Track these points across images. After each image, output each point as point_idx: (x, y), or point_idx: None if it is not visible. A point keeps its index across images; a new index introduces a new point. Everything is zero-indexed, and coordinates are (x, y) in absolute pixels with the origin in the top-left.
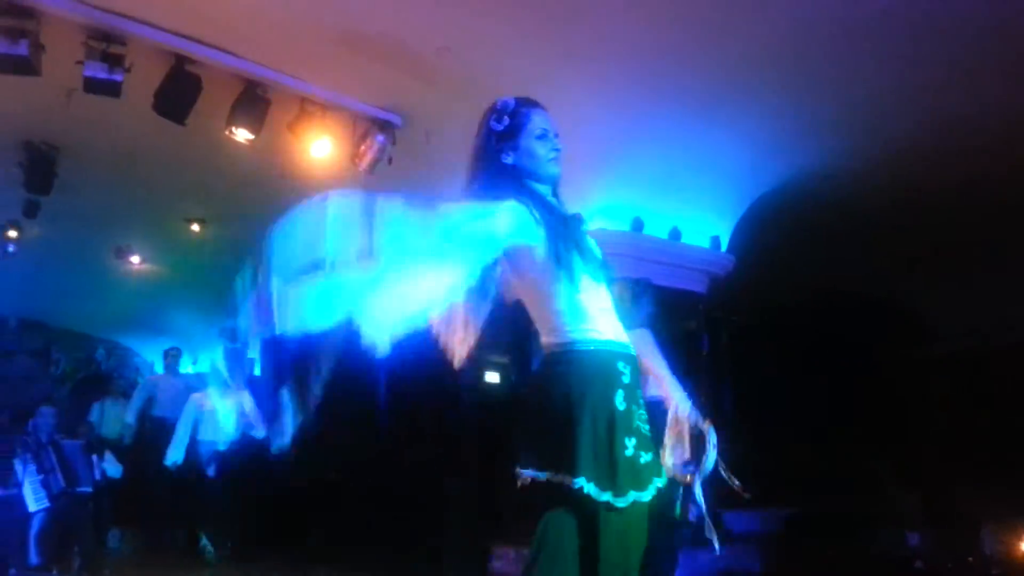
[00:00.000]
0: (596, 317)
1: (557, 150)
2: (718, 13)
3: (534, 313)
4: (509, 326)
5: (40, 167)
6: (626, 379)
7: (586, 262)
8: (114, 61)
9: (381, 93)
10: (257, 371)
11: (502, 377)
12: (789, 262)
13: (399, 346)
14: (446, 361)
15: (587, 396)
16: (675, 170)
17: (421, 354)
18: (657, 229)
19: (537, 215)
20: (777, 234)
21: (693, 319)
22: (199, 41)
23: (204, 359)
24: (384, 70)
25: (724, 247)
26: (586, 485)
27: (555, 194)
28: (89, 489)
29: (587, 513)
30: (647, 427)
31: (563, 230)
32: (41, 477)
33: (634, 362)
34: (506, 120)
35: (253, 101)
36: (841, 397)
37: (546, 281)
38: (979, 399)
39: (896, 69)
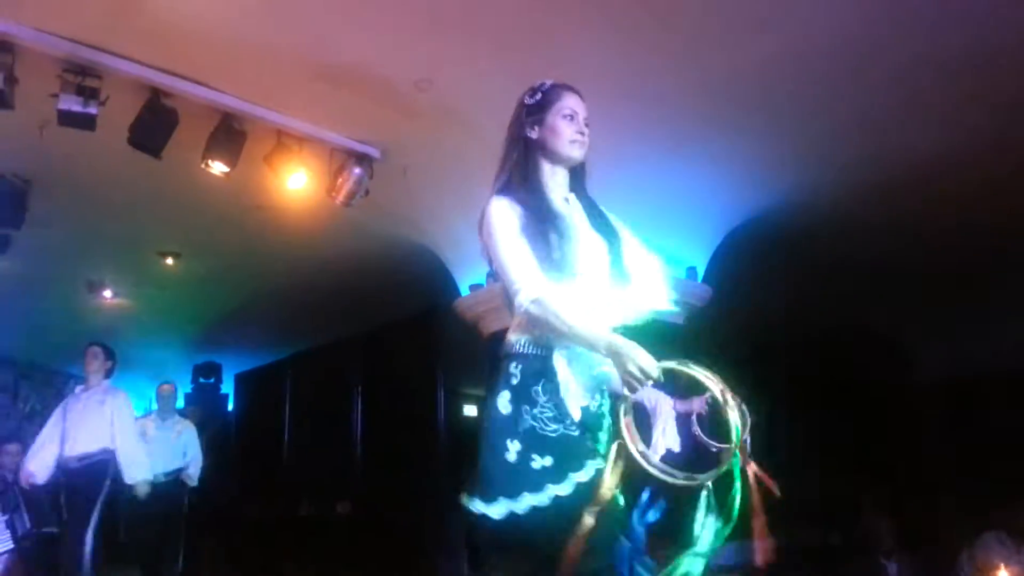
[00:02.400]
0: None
1: (582, 134)
2: (692, 44)
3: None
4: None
5: (11, 200)
6: (514, 380)
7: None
8: (89, 94)
9: (358, 125)
10: (230, 406)
11: (480, 410)
12: (765, 292)
13: (374, 377)
14: (424, 391)
15: (483, 401)
16: (651, 200)
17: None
18: (634, 251)
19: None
20: (753, 264)
21: (672, 349)
22: (175, 74)
23: (178, 394)
24: (362, 102)
25: (700, 278)
26: (465, 497)
27: (578, 181)
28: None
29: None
30: (560, 427)
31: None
32: (6, 517)
33: (529, 361)
34: (538, 96)
35: (229, 134)
36: (819, 426)
37: None
38: (959, 427)
39: (868, 102)
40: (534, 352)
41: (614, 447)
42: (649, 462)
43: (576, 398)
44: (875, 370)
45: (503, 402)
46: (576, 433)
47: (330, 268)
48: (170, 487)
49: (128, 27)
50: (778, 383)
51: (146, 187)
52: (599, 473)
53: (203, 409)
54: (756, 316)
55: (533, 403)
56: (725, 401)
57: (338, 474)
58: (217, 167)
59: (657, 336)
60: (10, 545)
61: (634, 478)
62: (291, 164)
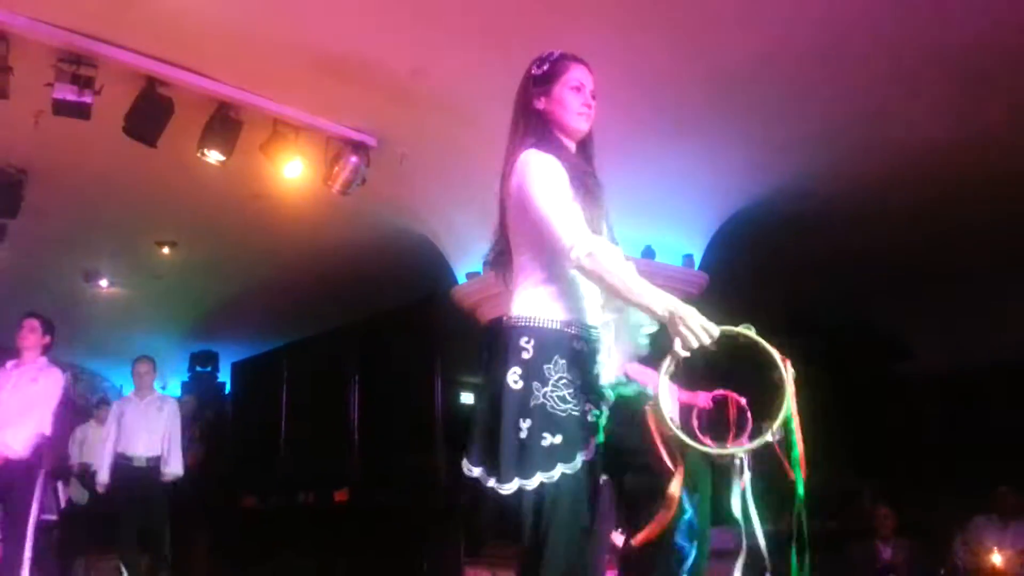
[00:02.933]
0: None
1: (588, 106)
2: (690, 35)
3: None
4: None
5: (7, 190)
6: (525, 355)
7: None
8: (84, 83)
9: (355, 114)
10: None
11: (477, 397)
12: (762, 281)
13: (371, 366)
14: (421, 379)
15: (485, 375)
16: (648, 189)
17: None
18: (631, 248)
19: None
20: (750, 253)
21: (668, 337)
22: (170, 63)
23: (173, 384)
24: (358, 91)
25: (697, 266)
26: (474, 470)
27: (586, 154)
28: (54, 517)
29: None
30: (569, 406)
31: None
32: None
33: (544, 335)
34: (546, 66)
35: (225, 123)
36: (815, 415)
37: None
38: (956, 419)
39: (865, 94)
40: (549, 326)
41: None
42: (679, 428)
43: (611, 368)
44: (873, 361)
45: (513, 377)
46: (578, 413)
47: (327, 256)
48: (151, 471)
49: (123, 16)
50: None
51: (142, 176)
52: (598, 449)
53: (198, 398)
54: (752, 305)
55: (544, 380)
56: (785, 369)
57: (335, 462)
58: (213, 156)
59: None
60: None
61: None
62: (287, 153)
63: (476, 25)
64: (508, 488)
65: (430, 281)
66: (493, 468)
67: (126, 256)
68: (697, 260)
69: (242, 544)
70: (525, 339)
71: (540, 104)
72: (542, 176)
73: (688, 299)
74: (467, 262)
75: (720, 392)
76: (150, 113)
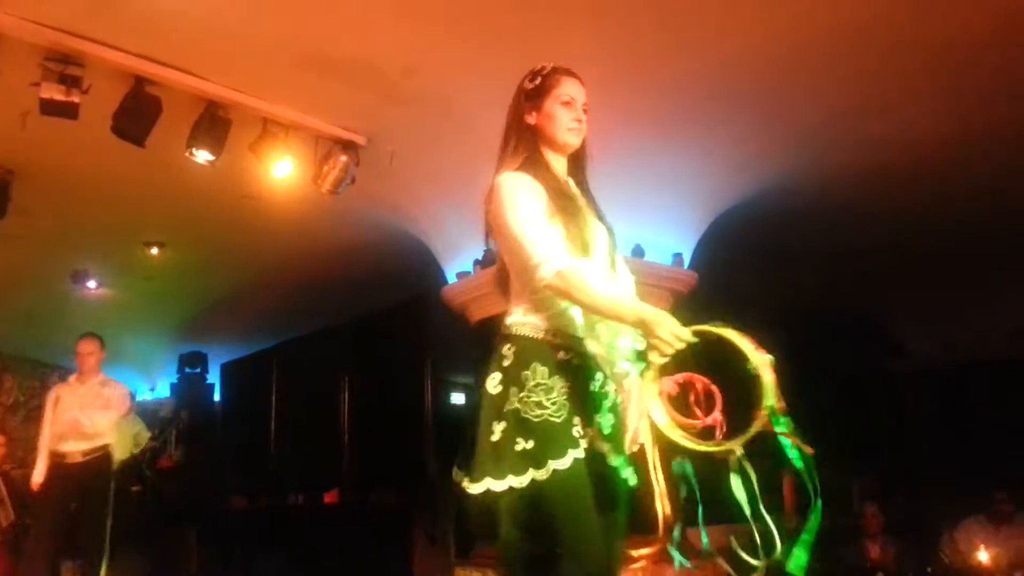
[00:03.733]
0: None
1: (580, 121)
2: (678, 32)
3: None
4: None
5: None
6: (506, 362)
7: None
8: (71, 82)
9: (344, 113)
10: (216, 396)
11: (468, 397)
12: (753, 278)
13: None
14: (412, 379)
15: (476, 379)
16: (637, 187)
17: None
18: (619, 247)
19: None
20: (740, 251)
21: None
22: (158, 61)
23: (162, 385)
24: (348, 90)
25: (687, 264)
26: (458, 472)
27: (578, 167)
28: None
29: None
30: (546, 412)
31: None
32: None
33: (523, 344)
34: (538, 80)
35: (214, 122)
36: (807, 413)
37: None
38: (947, 413)
39: (856, 87)
40: (530, 335)
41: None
42: (672, 431)
43: (598, 380)
44: (865, 358)
45: (492, 383)
46: (558, 420)
47: (317, 257)
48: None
49: (110, 15)
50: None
51: (131, 176)
52: (576, 463)
53: (178, 401)
54: (743, 303)
55: (521, 386)
56: (761, 356)
57: (326, 463)
58: (202, 155)
59: None
60: None
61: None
62: (276, 152)
63: (467, 23)
64: (476, 488)
65: (420, 281)
66: (468, 469)
67: (114, 257)
68: (687, 259)
69: (231, 545)
70: (508, 347)
71: (531, 119)
72: (512, 199)
73: (677, 298)
74: (457, 262)
75: (686, 375)
76: (138, 112)
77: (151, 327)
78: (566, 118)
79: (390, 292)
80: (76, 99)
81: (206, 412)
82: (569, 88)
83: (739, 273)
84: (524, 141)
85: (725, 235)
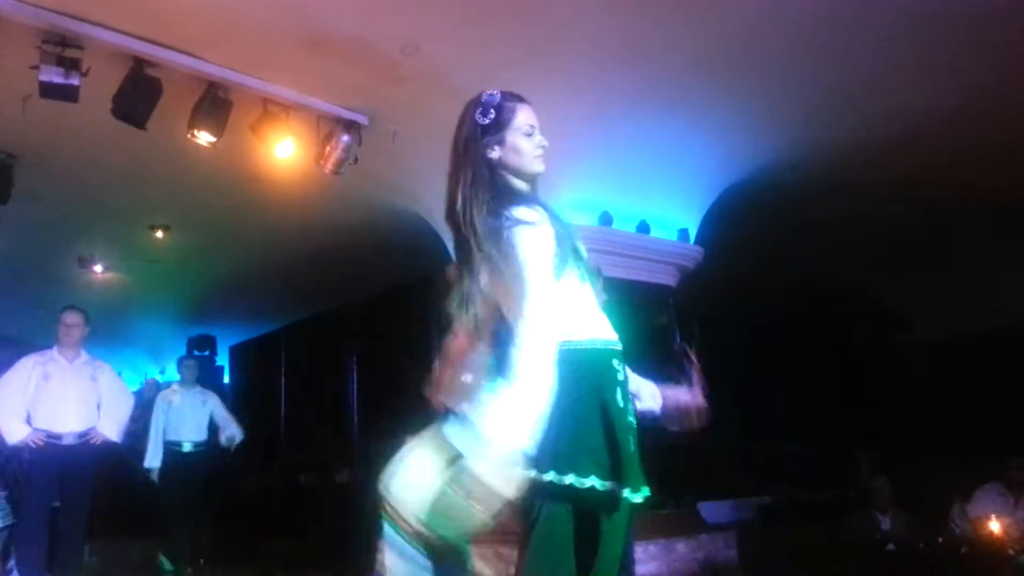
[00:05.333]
0: (590, 316)
1: (543, 147)
2: (682, 6)
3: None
4: None
5: None
6: (620, 376)
7: (576, 260)
8: (70, 65)
9: (346, 93)
10: (226, 378)
11: None
12: (758, 253)
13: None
14: (422, 356)
15: (592, 395)
16: (642, 163)
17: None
18: (625, 223)
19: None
20: (745, 226)
21: (664, 312)
22: (158, 43)
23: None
24: (348, 69)
25: (692, 239)
26: (599, 483)
27: (535, 184)
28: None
29: (587, 510)
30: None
31: (565, 230)
32: (5, 493)
33: (623, 359)
34: (492, 114)
35: (215, 103)
36: (813, 386)
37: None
38: (953, 385)
39: (861, 61)
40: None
41: None
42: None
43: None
44: (871, 331)
45: (618, 396)
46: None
47: (321, 237)
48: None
49: None
50: (773, 344)
51: (133, 159)
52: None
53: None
54: (748, 278)
55: (630, 400)
56: None
57: (335, 444)
58: (203, 137)
59: (651, 298)
60: (11, 520)
61: None
62: (278, 132)
63: (466, 2)
64: (639, 496)
65: (426, 260)
66: (620, 480)
67: (120, 241)
68: (693, 234)
69: (243, 527)
70: (617, 360)
71: (494, 153)
72: (534, 256)
73: (684, 273)
74: None
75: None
76: (138, 95)
77: (159, 310)
78: (530, 147)
79: (397, 270)
80: (76, 82)
81: (216, 394)
82: (526, 117)
83: (745, 248)
84: (489, 178)
85: (731, 210)
